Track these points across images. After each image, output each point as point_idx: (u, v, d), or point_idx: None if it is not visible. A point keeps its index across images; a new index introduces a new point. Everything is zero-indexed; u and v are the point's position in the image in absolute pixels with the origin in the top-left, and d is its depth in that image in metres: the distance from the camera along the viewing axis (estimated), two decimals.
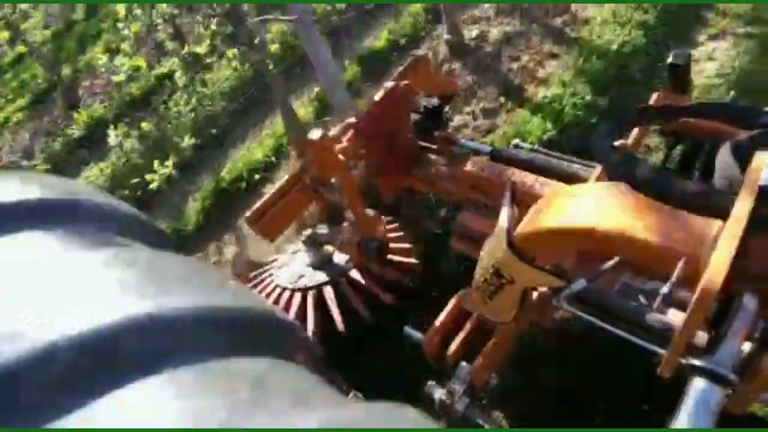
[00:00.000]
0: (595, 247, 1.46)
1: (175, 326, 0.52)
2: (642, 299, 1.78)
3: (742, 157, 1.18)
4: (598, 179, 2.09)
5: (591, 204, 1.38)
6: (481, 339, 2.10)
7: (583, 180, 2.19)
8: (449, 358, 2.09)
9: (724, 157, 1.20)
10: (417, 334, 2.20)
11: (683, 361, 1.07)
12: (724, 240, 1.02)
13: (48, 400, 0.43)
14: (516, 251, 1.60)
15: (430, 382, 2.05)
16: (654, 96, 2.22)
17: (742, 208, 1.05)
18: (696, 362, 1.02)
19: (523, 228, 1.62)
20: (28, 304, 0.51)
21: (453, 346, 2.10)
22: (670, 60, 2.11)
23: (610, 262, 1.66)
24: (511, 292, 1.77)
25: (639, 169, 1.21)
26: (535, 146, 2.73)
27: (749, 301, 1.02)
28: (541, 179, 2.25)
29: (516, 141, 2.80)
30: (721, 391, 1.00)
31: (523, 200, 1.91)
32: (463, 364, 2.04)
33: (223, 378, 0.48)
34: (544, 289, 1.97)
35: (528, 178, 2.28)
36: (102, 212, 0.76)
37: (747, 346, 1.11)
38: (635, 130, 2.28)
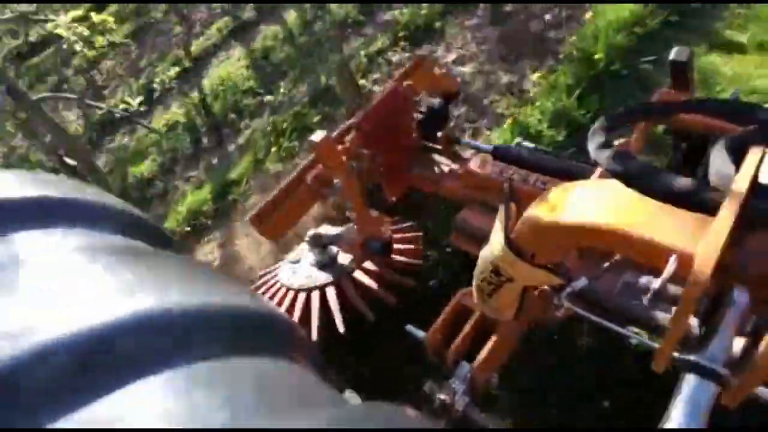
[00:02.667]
0: (591, 244, 1.46)
1: (175, 326, 0.51)
2: (644, 297, 1.78)
3: (737, 152, 1.17)
4: (600, 177, 2.09)
5: (585, 200, 1.38)
6: (484, 337, 2.11)
7: (585, 178, 2.18)
8: (451, 356, 2.09)
9: (718, 153, 1.19)
10: (419, 332, 2.21)
11: (676, 356, 1.07)
12: (712, 232, 1.01)
13: (46, 400, 0.43)
14: (514, 249, 1.60)
15: (429, 382, 2.05)
16: (656, 93, 2.20)
17: (733, 202, 1.05)
18: (686, 357, 1.02)
19: (520, 225, 1.62)
20: (26, 303, 0.51)
21: (455, 344, 2.10)
22: (671, 57, 2.09)
23: (612, 260, 1.66)
24: (510, 290, 1.77)
25: (630, 165, 1.20)
26: (538, 145, 2.72)
27: (740, 296, 1.02)
28: (542, 177, 2.25)
29: (518, 140, 2.79)
30: (712, 387, 1.00)
31: (524, 198, 1.90)
32: (464, 363, 2.04)
33: (223, 378, 0.48)
34: (545, 287, 1.97)
35: (529, 177, 2.28)
36: (102, 211, 0.75)
37: (741, 341, 1.10)
38: (638, 128, 2.27)
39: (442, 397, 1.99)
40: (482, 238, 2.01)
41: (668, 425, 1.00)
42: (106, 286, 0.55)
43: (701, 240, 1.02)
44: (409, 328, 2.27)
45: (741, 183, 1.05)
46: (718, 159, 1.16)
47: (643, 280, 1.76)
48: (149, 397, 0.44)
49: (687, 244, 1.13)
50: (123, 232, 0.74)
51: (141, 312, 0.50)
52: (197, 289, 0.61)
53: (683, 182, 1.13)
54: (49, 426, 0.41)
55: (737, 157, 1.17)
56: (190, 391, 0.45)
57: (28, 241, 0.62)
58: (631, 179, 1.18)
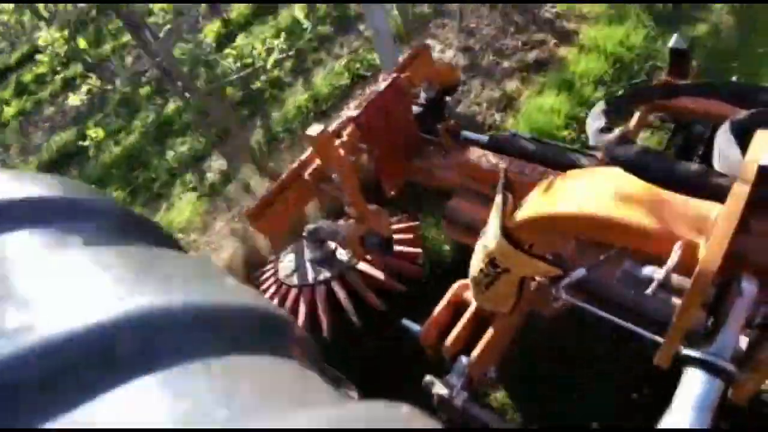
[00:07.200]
0: (590, 233, 1.42)
1: (173, 324, 0.52)
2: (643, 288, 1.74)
3: (742, 136, 1.13)
4: (598, 165, 2.05)
5: (585, 189, 1.34)
6: (480, 330, 2.06)
7: (582, 168, 2.14)
8: (447, 350, 2.05)
9: (723, 137, 1.15)
10: (414, 326, 2.17)
11: (681, 350, 1.03)
12: (721, 221, 0.97)
13: (44, 399, 0.42)
14: (510, 240, 1.56)
15: (428, 377, 2.01)
16: (655, 82, 2.17)
17: (741, 188, 1.00)
18: (693, 353, 0.97)
19: (517, 216, 1.58)
20: (23, 302, 0.51)
21: (450, 338, 2.06)
22: (670, 44, 2.06)
23: (610, 251, 1.62)
24: (507, 281, 1.73)
25: (633, 151, 1.16)
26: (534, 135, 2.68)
27: (748, 286, 0.97)
28: (540, 168, 2.21)
29: (513, 130, 2.75)
30: (719, 384, 0.95)
31: (520, 189, 1.87)
32: (462, 357, 2.00)
33: (221, 376, 0.48)
34: (543, 278, 1.93)
35: (525, 167, 2.24)
36: (99, 211, 0.76)
37: (748, 335, 1.06)
38: (636, 116, 2.23)
39: (441, 392, 1.95)
40: (472, 227, 1.97)
41: (672, 424, 0.95)
42: (103, 285, 0.55)
43: (710, 227, 0.97)
44: (404, 321, 2.23)
45: (749, 168, 1.01)
46: (724, 143, 1.12)
47: (645, 270, 1.72)
48: (148, 394, 0.44)
49: (691, 232, 1.09)
50: (120, 232, 0.74)
51: (140, 310, 0.50)
52: (196, 286, 0.62)
53: (688, 168, 1.09)
54: (46, 426, 0.41)
55: (742, 140, 1.13)
56: (190, 389, 0.45)
57: (24, 240, 0.63)
58: (634, 165, 1.14)
